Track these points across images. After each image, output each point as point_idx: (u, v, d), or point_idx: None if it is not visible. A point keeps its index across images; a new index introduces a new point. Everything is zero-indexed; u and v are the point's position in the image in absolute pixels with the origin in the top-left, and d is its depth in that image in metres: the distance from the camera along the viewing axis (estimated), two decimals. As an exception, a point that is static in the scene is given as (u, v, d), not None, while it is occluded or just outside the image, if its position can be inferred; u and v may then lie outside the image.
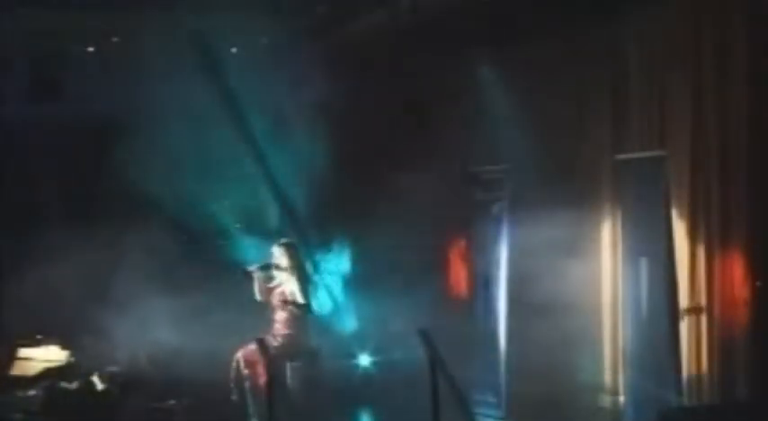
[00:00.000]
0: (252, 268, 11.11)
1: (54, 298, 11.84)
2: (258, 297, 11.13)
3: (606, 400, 10.61)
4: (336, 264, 12.69)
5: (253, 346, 10.59)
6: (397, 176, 12.31)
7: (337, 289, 12.62)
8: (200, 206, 12.70)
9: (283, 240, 11.38)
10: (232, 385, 10.90)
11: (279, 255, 11.15)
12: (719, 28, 9.46)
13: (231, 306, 11.56)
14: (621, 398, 10.46)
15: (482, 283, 12.25)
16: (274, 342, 10.83)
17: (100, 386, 11.48)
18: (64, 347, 12.05)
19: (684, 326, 9.70)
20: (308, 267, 11.37)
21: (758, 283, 9.25)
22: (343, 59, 12.46)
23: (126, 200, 12.45)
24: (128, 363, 11.96)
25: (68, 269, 11.77)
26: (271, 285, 11.14)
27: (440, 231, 12.67)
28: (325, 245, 12.68)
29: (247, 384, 10.81)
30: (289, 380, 10.87)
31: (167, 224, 12.50)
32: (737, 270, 9.34)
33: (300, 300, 10.93)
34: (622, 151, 10.50)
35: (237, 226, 12.95)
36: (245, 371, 10.82)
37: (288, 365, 10.90)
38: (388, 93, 12.76)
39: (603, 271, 10.64)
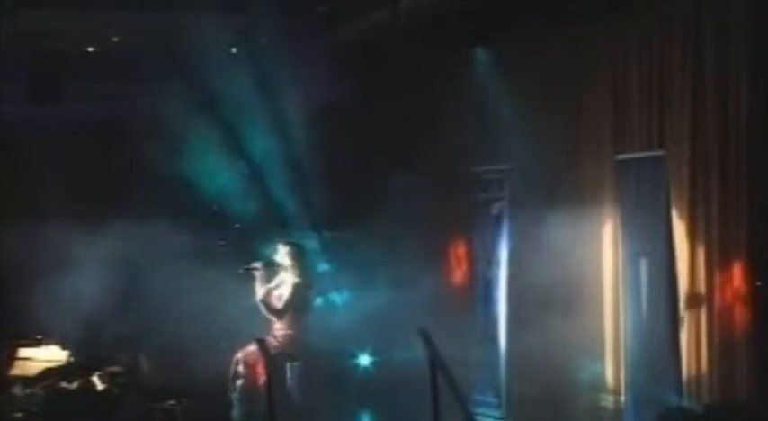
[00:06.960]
0: (254, 265, 11.05)
1: (54, 297, 11.85)
2: (258, 297, 11.03)
3: (606, 400, 10.61)
4: (335, 265, 12.69)
5: (253, 346, 10.56)
6: (397, 176, 12.30)
7: (336, 290, 12.61)
8: (200, 204, 12.73)
9: (288, 239, 11.32)
10: (232, 385, 10.89)
11: (282, 254, 11.09)
12: (720, 28, 9.47)
13: (237, 307, 11.57)
14: (622, 398, 10.46)
15: (482, 283, 12.24)
16: (274, 342, 10.79)
17: (100, 386, 11.48)
18: (64, 347, 12.05)
19: (684, 326, 9.71)
20: (311, 269, 11.28)
21: (758, 283, 9.25)
22: (342, 59, 12.45)
23: (126, 199, 12.46)
24: (127, 363, 11.96)
25: (69, 268, 11.80)
26: (269, 285, 11.08)
27: (440, 231, 12.67)
28: (325, 244, 12.67)
29: (239, 383, 10.75)
30: (289, 380, 10.85)
31: (168, 223, 12.50)
32: (737, 270, 9.34)
33: (289, 303, 10.86)
34: (622, 151, 10.50)
35: (237, 225, 12.95)
36: (242, 372, 10.78)
37: (288, 365, 10.88)
38: (388, 93, 12.76)
39: (604, 271, 10.64)
